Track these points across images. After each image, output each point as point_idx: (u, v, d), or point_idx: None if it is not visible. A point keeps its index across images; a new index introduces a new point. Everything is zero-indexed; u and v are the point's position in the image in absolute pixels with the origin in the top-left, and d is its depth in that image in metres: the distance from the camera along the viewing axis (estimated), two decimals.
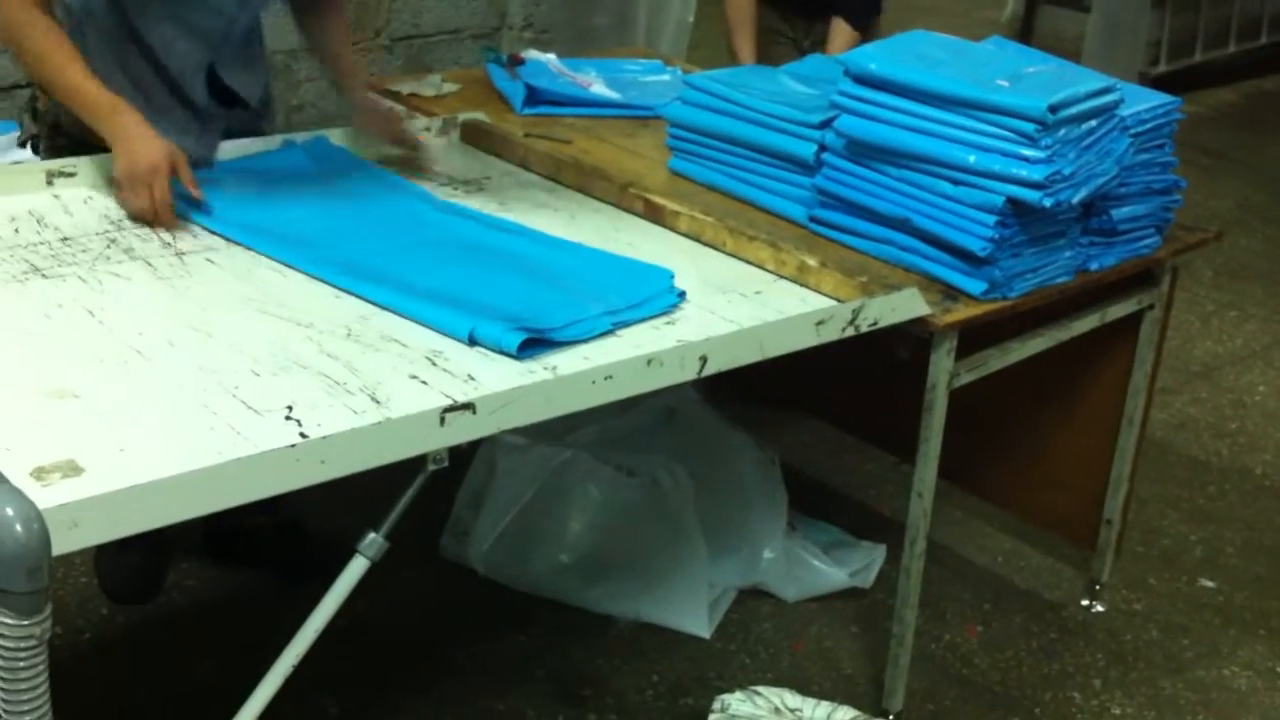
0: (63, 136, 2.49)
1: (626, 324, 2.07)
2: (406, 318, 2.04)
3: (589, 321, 2.02)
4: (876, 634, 2.89)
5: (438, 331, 1.99)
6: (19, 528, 1.38)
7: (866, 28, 3.70)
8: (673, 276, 2.23)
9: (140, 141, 2.28)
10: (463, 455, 1.83)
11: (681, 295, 2.20)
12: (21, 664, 1.43)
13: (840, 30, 3.67)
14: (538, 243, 2.41)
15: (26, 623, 1.42)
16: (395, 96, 3.24)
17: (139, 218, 2.31)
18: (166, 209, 2.29)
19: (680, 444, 3.07)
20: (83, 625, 2.77)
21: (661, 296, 2.17)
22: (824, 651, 2.89)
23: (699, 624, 2.89)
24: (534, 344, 1.93)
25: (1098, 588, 3.12)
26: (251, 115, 2.66)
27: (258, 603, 2.82)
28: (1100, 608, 3.11)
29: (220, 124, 2.59)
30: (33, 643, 1.42)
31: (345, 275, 2.15)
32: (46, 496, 1.44)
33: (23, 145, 2.63)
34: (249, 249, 2.25)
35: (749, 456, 3.10)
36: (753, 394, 3.37)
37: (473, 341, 1.95)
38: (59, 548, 1.42)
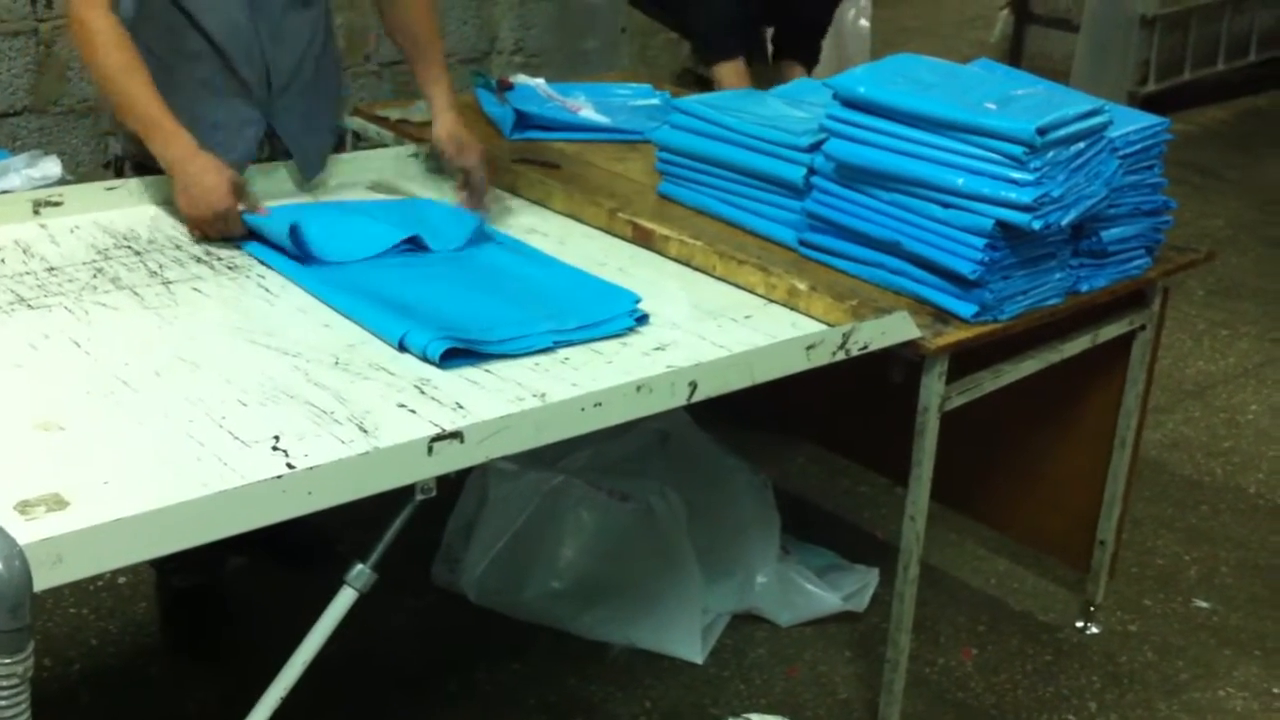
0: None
1: (571, 343, 2.09)
2: (345, 317, 2.11)
3: (531, 338, 2.06)
4: (871, 658, 2.87)
5: (372, 334, 2.06)
6: (0, 566, 1.36)
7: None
8: (638, 300, 2.24)
9: (202, 180, 2.33)
10: (453, 482, 1.82)
11: (642, 319, 2.21)
12: (4, 703, 1.42)
13: (794, 72, 3.68)
14: (515, 253, 2.47)
15: (8, 661, 1.40)
16: (384, 122, 3.24)
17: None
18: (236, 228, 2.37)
19: (673, 468, 3.06)
20: (72, 656, 2.75)
21: (618, 320, 2.18)
22: (818, 676, 2.88)
23: (692, 650, 2.87)
24: (461, 354, 1.98)
25: (1092, 609, 3.11)
26: (307, 98, 2.67)
27: (248, 634, 2.80)
28: (1095, 629, 3.10)
29: (279, 103, 2.60)
30: (15, 681, 1.41)
31: (311, 278, 2.24)
32: (30, 531, 1.43)
33: (107, 167, 2.65)
34: (244, 273, 2.28)
35: (742, 480, 3.09)
36: (746, 418, 3.36)
37: (402, 347, 2.01)
38: (43, 583, 1.41)
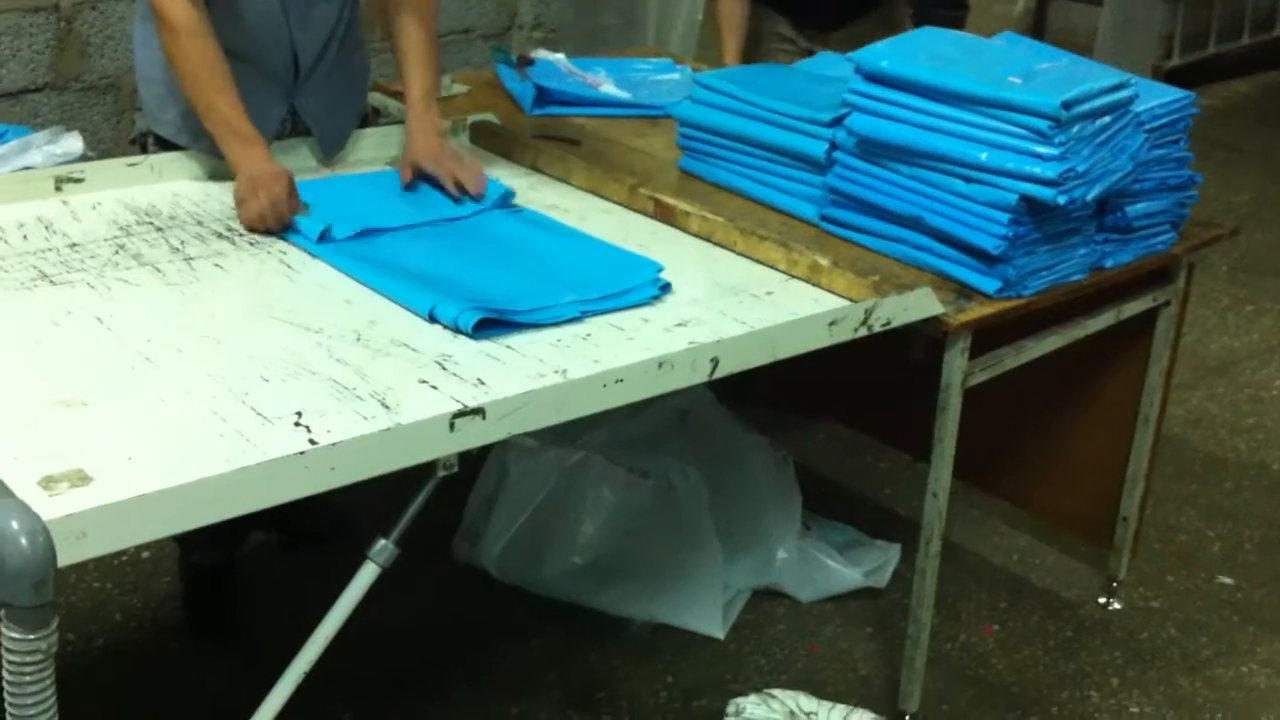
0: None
1: (597, 313, 2.10)
2: (372, 290, 2.12)
3: (558, 308, 2.07)
4: (892, 634, 2.87)
5: (402, 306, 2.07)
6: (24, 541, 1.37)
7: None
8: (660, 269, 2.25)
9: (271, 189, 2.34)
10: (474, 458, 1.82)
11: (665, 288, 2.21)
12: (28, 678, 1.42)
13: None
14: (536, 225, 2.48)
15: (33, 637, 1.41)
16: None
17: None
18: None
19: (693, 445, 3.06)
20: (95, 631, 2.77)
21: (641, 289, 2.19)
22: (839, 653, 2.88)
23: (713, 625, 2.88)
24: (493, 325, 1.99)
25: (1115, 586, 3.10)
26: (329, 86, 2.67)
27: (270, 610, 2.81)
28: (1117, 606, 3.09)
29: (304, 87, 2.61)
30: (39, 657, 1.41)
31: (336, 253, 2.25)
32: (54, 507, 1.43)
33: (133, 143, 2.67)
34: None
35: (762, 457, 3.08)
36: (766, 394, 3.35)
37: (432, 318, 2.02)
38: (67, 558, 1.41)
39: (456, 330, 1.99)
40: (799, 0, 3.59)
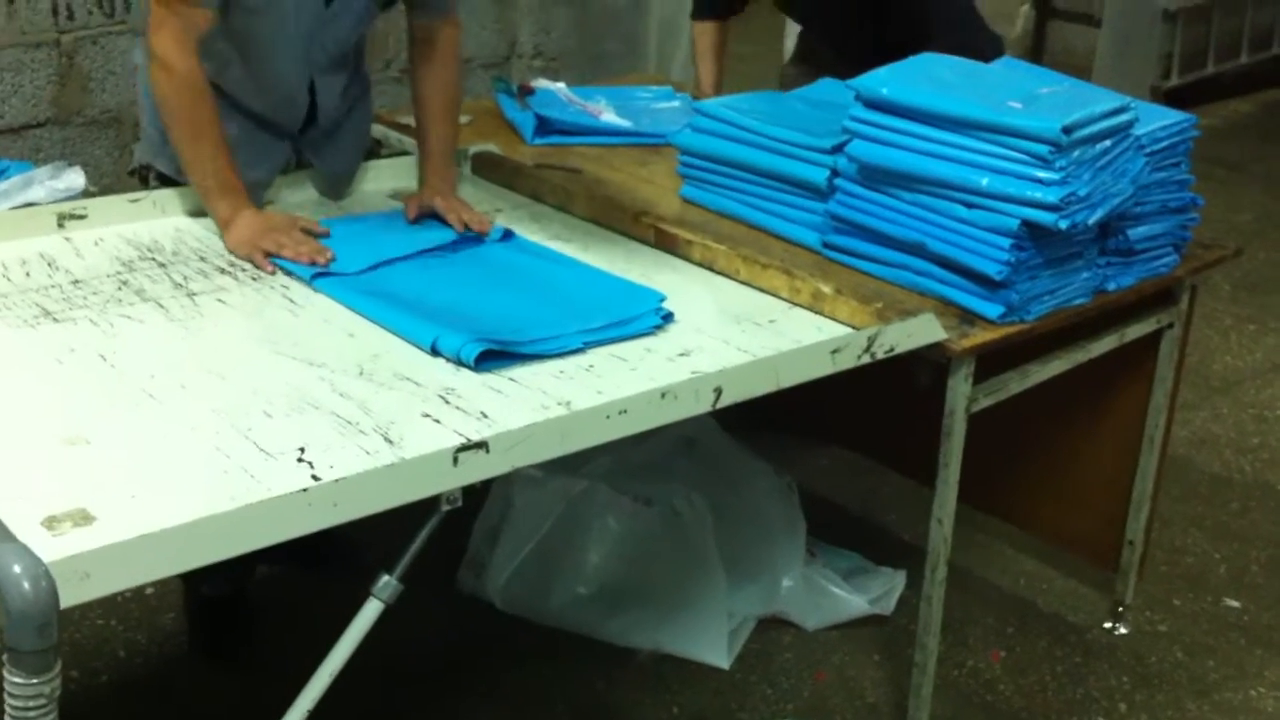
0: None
1: (601, 343, 2.10)
2: (375, 323, 2.12)
3: (562, 339, 2.07)
4: (899, 661, 2.86)
5: (403, 338, 2.07)
6: (27, 585, 1.36)
7: None
8: (663, 299, 2.25)
9: (254, 223, 2.36)
10: (478, 489, 1.81)
11: (668, 317, 2.22)
12: None
13: None
14: (538, 256, 2.48)
15: (36, 681, 1.40)
16: (405, 129, 3.23)
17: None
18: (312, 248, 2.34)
19: (698, 472, 3.05)
20: (99, 668, 2.76)
21: (644, 318, 2.19)
22: (846, 680, 2.86)
23: (718, 654, 2.86)
24: (496, 356, 1.99)
25: (1121, 609, 3.09)
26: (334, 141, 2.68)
27: (276, 643, 2.80)
28: (1124, 630, 3.08)
29: (311, 137, 2.63)
30: (42, 701, 1.40)
31: (338, 287, 2.25)
32: (57, 547, 1.43)
33: (132, 174, 2.67)
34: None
35: (767, 483, 3.07)
36: (770, 420, 3.34)
37: (435, 351, 2.02)
38: (71, 599, 1.40)
39: (459, 363, 1.99)
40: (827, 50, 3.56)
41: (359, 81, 2.71)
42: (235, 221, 2.38)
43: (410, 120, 3.28)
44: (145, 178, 2.63)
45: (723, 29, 3.62)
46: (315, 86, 2.54)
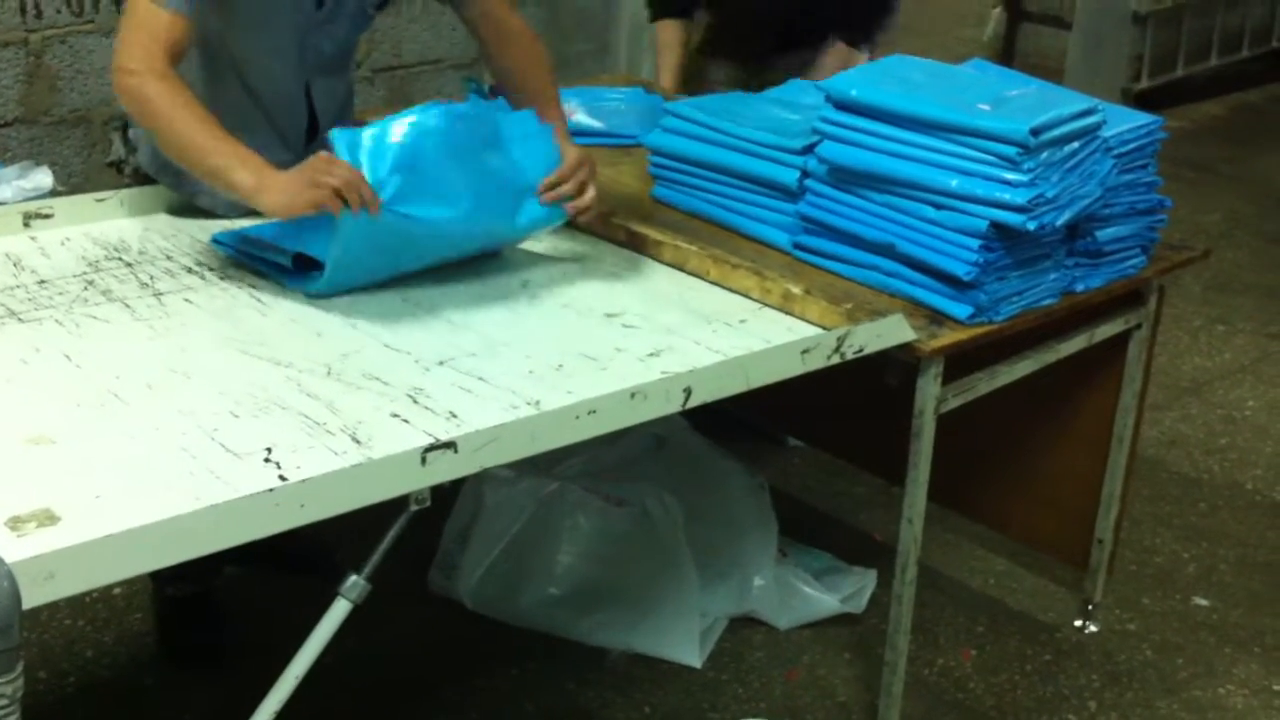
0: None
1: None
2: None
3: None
4: (870, 660, 2.86)
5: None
6: None
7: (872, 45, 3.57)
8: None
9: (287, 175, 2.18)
10: (448, 489, 1.81)
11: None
12: None
13: (835, 54, 3.57)
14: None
15: None
16: None
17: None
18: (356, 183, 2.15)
19: (669, 472, 3.05)
20: (67, 669, 2.74)
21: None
22: (817, 679, 2.87)
23: (690, 654, 2.87)
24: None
25: (1091, 608, 3.10)
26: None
27: (245, 642, 2.79)
28: (1094, 628, 3.09)
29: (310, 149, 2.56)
30: (4, 701, 1.40)
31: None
32: (21, 548, 1.42)
33: (111, 165, 2.62)
34: (233, 283, 2.27)
35: (739, 483, 3.08)
36: (742, 419, 3.35)
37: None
38: (35, 599, 1.40)
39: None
40: (736, 38, 3.59)
41: (349, 88, 2.69)
42: (266, 185, 2.15)
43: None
44: (121, 170, 2.59)
45: (686, 26, 3.62)
46: (311, 91, 2.53)
